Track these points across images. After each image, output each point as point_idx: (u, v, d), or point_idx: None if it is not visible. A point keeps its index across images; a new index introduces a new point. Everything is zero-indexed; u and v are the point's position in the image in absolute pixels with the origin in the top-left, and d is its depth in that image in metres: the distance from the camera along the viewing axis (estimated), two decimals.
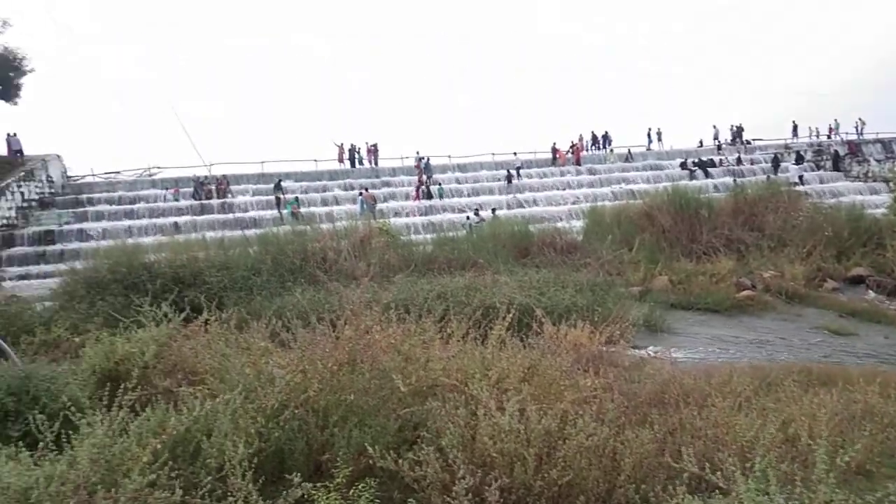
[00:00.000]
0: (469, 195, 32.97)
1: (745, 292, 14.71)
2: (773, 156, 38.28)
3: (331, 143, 37.66)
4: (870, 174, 36.27)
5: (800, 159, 38.45)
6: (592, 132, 41.10)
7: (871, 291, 15.66)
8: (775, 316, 13.83)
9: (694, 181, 31.67)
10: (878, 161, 38.03)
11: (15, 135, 31.78)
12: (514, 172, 34.87)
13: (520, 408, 4.04)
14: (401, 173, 35.62)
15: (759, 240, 18.42)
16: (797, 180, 33.01)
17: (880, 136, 41.78)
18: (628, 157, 39.12)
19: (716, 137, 42.19)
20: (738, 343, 11.61)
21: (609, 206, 23.89)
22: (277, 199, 29.97)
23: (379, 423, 4.34)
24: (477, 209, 27.67)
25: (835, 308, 14.22)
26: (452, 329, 6.16)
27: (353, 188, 32.46)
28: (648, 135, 42.25)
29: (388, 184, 34.06)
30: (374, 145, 37.24)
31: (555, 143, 38.71)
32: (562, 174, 36.43)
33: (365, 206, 27.99)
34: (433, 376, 4.98)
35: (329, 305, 9.30)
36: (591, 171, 36.88)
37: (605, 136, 41.01)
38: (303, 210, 27.56)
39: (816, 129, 43.52)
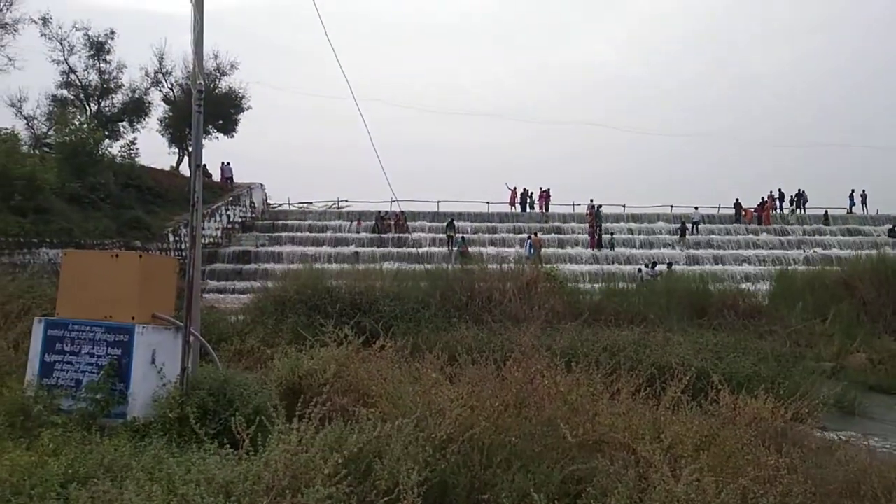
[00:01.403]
0: (642, 247, 31.94)
1: None
2: None
3: (504, 185, 38.35)
4: None
5: None
6: (780, 189, 38.27)
7: None
8: None
9: None
10: None
11: (228, 164, 35.92)
12: (689, 226, 33.29)
13: (696, 478, 3.79)
14: (571, 220, 35.37)
15: None
16: None
17: None
18: (826, 220, 35.83)
19: None
20: None
21: (801, 270, 21.98)
22: (449, 237, 30.97)
23: (543, 471, 4.28)
24: (654, 262, 26.64)
25: None
26: (621, 385, 5.96)
27: (521, 231, 32.72)
28: (851, 197, 38.43)
29: (558, 230, 33.93)
30: (547, 190, 37.41)
31: (738, 199, 36.47)
32: (746, 232, 34.14)
33: (533, 250, 28.06)
34: (600, 431, 4.83)
35: (494, 345, 9.41)
36: (781, 232, 34.21)
37: (801, 195, 37.89)
38: (471, 250, 28.22)
39: None
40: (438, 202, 36.51)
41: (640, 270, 25.50)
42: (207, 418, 5.31)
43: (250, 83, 38.43)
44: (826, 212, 36.61)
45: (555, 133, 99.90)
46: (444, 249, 29.92)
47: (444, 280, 16.41)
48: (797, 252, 31.19)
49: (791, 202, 38.08)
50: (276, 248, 30.26)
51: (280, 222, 34.21)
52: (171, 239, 26.78)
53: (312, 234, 32.24)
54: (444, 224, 32.44)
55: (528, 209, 37.02)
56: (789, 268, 23.91)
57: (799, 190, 38.23)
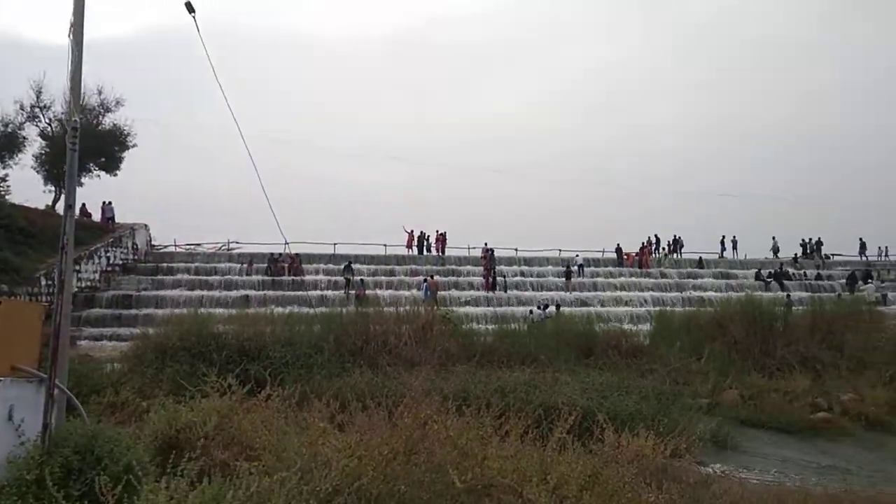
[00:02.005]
0: (533, 289, 32.84)
1: (822, 414, 13.94)
2: (849, 273, 36.81)
3: (401, 228, 38.54)
4: None
5: (868, 277, 36.78)
6: (656, 235, 40.77)
7: None
8: (854, 442, 12.95)
9: (769, 293, 30.59)
10: None
11: (110, 203, 34.00)
12: (574, 269, 34.68)
13: None
14: (466, 263, 35.95)
15: (837, 359, 17.58)
16: (879, 299, 31.51)
17: None
18: (700, 264, 38.40)
19: (775, 251, 41.01)
20: (812, 468, 10.88)
21: (678, 311, 23.31)
22: (347, 279, 30.60)
23: None
24: (546, 304, 27.45)
25: None
26: (511, 426, 6.03)
27: (418, 274, 32.87)
28: (722, 242, 41.50)
29: (453, 272, 34.34)
30: (443, 234, 37.92)
31: (619, 244, 38.57)
32: (629, 275, 35.97)
33: (429, 292, 28.21)
34: (489, 475, 4.85)
35: (388, 390, 9.30)
36: (659, 275, 36.28)
37: (677, 241, 40.50)
38: (368, 292, 27.96)
39: (885, 247, 42.17)
40: (335, 244, 36.10)
41: (531, 312, 26.16)
42: (72, 479, 4.88)
43: (137, 120, 36.78)
44: (700, 257, 39.24)
45: (449, 176, 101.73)
46: (341, 292, 29.46)
47: (339, 324, 16.14)
48: (675, 294, 33.11)
49: (668, 247, 40.59)
50: (160, 292, 28.65)
51: (165, 265, 32.51)
52: (44, 283, 24.74)
53: (200, 278, 30.82)
54: (342, 267, 32.06)
55: (424, 252, 37.34)
56: (668, 309, 25.33)
57: (675, 236, 40.88)
